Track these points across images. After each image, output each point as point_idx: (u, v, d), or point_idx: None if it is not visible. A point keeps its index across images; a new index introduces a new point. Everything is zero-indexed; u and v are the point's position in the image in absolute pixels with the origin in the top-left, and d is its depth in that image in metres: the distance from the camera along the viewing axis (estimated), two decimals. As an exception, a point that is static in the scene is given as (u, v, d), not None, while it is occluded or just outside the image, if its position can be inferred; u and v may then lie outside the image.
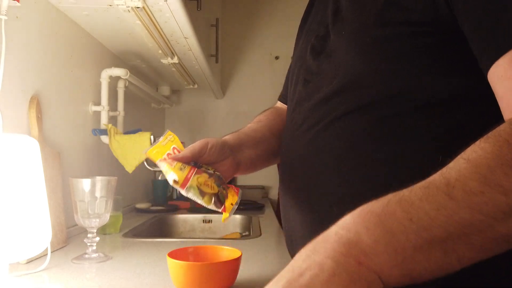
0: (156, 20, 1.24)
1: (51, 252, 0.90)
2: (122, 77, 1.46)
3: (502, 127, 0.43)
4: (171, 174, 0.66)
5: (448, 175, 0.41)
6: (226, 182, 0.72)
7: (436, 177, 0.41)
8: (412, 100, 0.54)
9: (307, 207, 0.67)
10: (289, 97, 0.81)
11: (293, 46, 0.94)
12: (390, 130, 0.57)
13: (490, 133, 0.43)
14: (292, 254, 0.78)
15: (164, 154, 0.70)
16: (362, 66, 0.60)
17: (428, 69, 0.56)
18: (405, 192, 0.41)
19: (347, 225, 0.40)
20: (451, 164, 0.42)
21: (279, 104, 0.98)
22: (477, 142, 0.42)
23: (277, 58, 2.56)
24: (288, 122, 0.78)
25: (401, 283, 0.39)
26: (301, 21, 0.91)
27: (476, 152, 0.41)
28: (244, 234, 1.60)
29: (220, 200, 0.67)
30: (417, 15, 0.55)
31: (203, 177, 0.68)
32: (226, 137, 0.81)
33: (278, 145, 0.84)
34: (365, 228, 0.39)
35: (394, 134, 0.57)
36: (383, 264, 0.38)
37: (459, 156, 0.42)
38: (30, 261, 0.90)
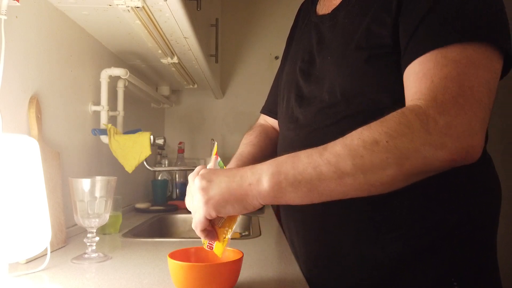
0: (155, 20, 1.24)
1: (51, 252, 0.90)
2: (121, 77, 1.46)
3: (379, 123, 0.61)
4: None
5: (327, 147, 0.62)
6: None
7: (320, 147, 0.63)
8: (390, 108, 0.65)
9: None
10: (281, 113, 0.94)
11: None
12: None
13: (372, 123, 0.61)
14: (293, 250, 0.94)
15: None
16: (349, 84, 0.75)
17: (398, 82, 0.69)
18: (302, 153, 0.63)
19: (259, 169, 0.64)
20: (337, 141, 0.62)
21: (265, 118, 1.12)
22: (359, 130, 0.62)
23: (277, 58, 2.56)
24: (284, 130, 0.90)
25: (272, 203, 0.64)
26: (284, 51, 1.06)
27: (353, 139, 0.61)
28: (244, 234, 1.60)
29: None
30: (385, 39, 0.71)
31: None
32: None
33: None
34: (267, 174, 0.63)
35: None
36: (264, 194, 0.63)
37: (342, 139, 0.62)
38: (29, 261, 0.89)
